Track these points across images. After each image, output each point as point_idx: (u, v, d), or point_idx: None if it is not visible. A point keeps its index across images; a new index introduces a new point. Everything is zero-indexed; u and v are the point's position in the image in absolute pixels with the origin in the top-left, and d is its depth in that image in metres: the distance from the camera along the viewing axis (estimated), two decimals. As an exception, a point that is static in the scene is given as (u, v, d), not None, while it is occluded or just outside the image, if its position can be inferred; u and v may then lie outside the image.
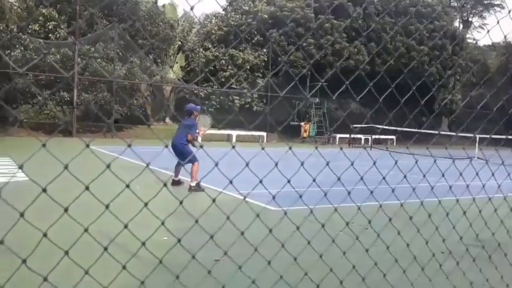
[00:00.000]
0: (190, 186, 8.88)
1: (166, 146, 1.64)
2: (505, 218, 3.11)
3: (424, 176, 2.54)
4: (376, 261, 2.53)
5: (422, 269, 2.78)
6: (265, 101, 29.90)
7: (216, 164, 1.78)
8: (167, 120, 27.30)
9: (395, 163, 2.40)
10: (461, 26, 45.45)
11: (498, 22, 2.84)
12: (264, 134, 26.81)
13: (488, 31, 2.89)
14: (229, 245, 2.11)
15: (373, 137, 27.24)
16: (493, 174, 2.92)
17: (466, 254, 3.22)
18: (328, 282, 2.54)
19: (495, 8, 46.67)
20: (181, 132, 9.35)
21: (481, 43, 44.53)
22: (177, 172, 9.42)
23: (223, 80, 28.75)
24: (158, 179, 1.70)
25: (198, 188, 8.78)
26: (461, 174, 2.71)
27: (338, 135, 29.48)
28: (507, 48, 35.70)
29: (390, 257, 2.67)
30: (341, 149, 2.24)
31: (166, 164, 8.69)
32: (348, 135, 28.78)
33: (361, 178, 2.31)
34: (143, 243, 1.70)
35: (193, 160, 8.94)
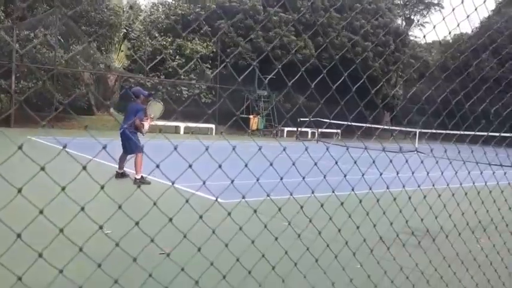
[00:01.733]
0: (135, 178, 8.65)
1: (86, 127, 1.56)
2: (433, 205, 3.24)
3: (355, 162, 2.59)
4: (308, 247, 2.56)
5: (354, 254, 2.85)
6: (214, 93, 29.69)
7: (142, 148, 1.72)
8: (111, 110, 26.51)
9: (327, 149, 2.44)
10: (404, 23, 47.17)
11: (434, 27, 2.94)
12: (213, 126, 26.64)
13: (430, 36, 2.98)
14: (168, 236, 2.06)
15: (319, 130, 27.79)
16: (422, 162, 3.03)
17: (396, 240, 3.34)
18: (260, 268, 2.55)
19: (435, 7, 48.80)
20: (128, 119, 8.98)
21: (421, 41, 46.47)
22: (120, 164, 9.11)
23: (170, 70, 28.24)
24: (77, 163, 1.63)
25: (143, 180, 8.57)
26: (391, 161, 2.80)
27: (286, 129, 29.81)
28: (445, 46, 37.42)
29: (322, 242, 2.72)
30: (275, 137, 2.24)
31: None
32: (295, 129, 29.18)
33: (293, 164, 2.32)
34: (61, 230, 1.62)
35: (136, 150, 8.68)
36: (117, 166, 9.06)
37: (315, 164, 2.36)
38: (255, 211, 2.22)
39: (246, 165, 2.14)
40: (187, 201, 1.97)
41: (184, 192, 2.12)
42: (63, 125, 22.34)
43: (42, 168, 1.54)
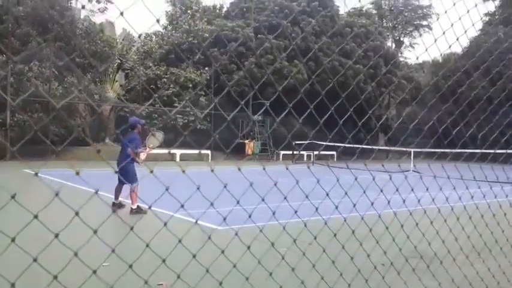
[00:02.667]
0: (131, 208, 8.65)
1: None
2: (440, 228, 3.27)
3: (364, 192, 2.63)
4: (303, 280, 2.57)
5: (366, 281, 2.86)
6: (209, 120, 29.83)
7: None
8: (107, 140, 26.52)
9: (337, 181, 2.47)
10: (394, 45, 47.88)
11: (426, 49, 3.03)
12: (208, 152, 26.68)
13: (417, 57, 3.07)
14: (165, 269, 2.07)
15: (315, 153, 27.88)
16: (427, 189, 3.08)
17: (406, 265, 3.35)
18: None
19: (424, 28, 49.69)
20: (125, 150, 9.01)
21: (411, 62, 47.14)
22: (116, 194, 9.09)
23: (165, 98, 28.41)
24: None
25: (139, 210, 8.57)
26: (397, 190, 2.82)
27: (282, 152, 29.89)
28: (435, 66, 37.93)
29: (336, 271, 2.73)
30: (264, 168, 2.28)
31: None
32: (291, 152, 29.27)
33: (285, 198, 2.36)
34: (55, 277, 1.64)
35: (132, 181, 8.70)
36: (113, 197, 9.05)
37: (306, 196, 2.39)
38: (249, 247, 2.24)
39: (238, 202, 2.17)
40: (180, 241, 1.99)
41: (184, 221, 2.14)
42: (59, 157, 22.31)
43: (36, 217, 1.57)
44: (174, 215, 2.00)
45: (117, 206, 8.95)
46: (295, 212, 2.44)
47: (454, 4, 3.17)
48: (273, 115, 2.36)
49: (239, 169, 2.12)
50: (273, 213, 2.35)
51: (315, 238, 2.47)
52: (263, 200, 2.26)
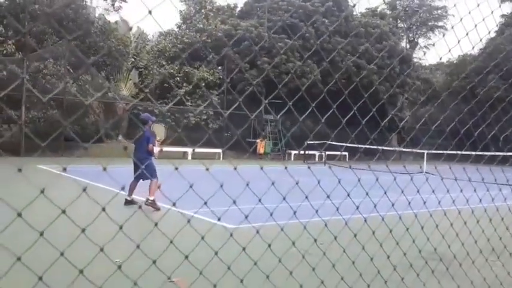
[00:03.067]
0: (147, 199, 8.71)
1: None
2: (460, 231, 3.24)
3: (385, 192, 2.61)
4: (322, 280, 2.56)
5: (385, 282, 2.85)
6: (220, 118, 29.89)
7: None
8: (120, 137, 26.70)
9: (359, 181, 2.46)
10: (408, 46, 47.49)
11: (444, 56, 2.98)
12: (220, 151, 26.72)
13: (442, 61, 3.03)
14: (182, 265, 2.08)
15: (327, 153, 27.81)
16: (448, 191, 3.05)
17: (425, 267, 3.32)
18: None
19: (439, 29, 49.20)
20: (141, 145, 9.13)
21: (426, 62, 46.71)
22: (131, 190, 9.14)
23: (179, 97, 28.51)
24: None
25: (154, 204, 8.63)
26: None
27: (293, 152, 29.85)
28: (449, 67, 37.58)
29: (355, 271, 2.72)
30: (286, 167, 2.28)
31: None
32: (302, 152, 29.19)
33: (306, 197, 2.35)
34: (81, 271, 1.65)
35: (153, 176, 8.77)
36: (127, 193, 9.10)
37: (328, 196, 2.38)
38: (269, 245, 2.24)
39: (259, 200, 2.17)
40: (202, 238, 2.00)
41: (201, 221, 2.15)
42: (72, 153, 22.51)
43: (63, 211, 1.58)
44: (188, 213, 2.01)
45: (129, 202, 9.00)
46: (316, 211, 2.43)
47: (478, 5, 3.13)
48: (295, 114, 2.35)
49: (261, 168, 2.12)
50: (294, 213, 2.34)
51: (335, 238, 2.46)
52: (284, 198, 2.26)
